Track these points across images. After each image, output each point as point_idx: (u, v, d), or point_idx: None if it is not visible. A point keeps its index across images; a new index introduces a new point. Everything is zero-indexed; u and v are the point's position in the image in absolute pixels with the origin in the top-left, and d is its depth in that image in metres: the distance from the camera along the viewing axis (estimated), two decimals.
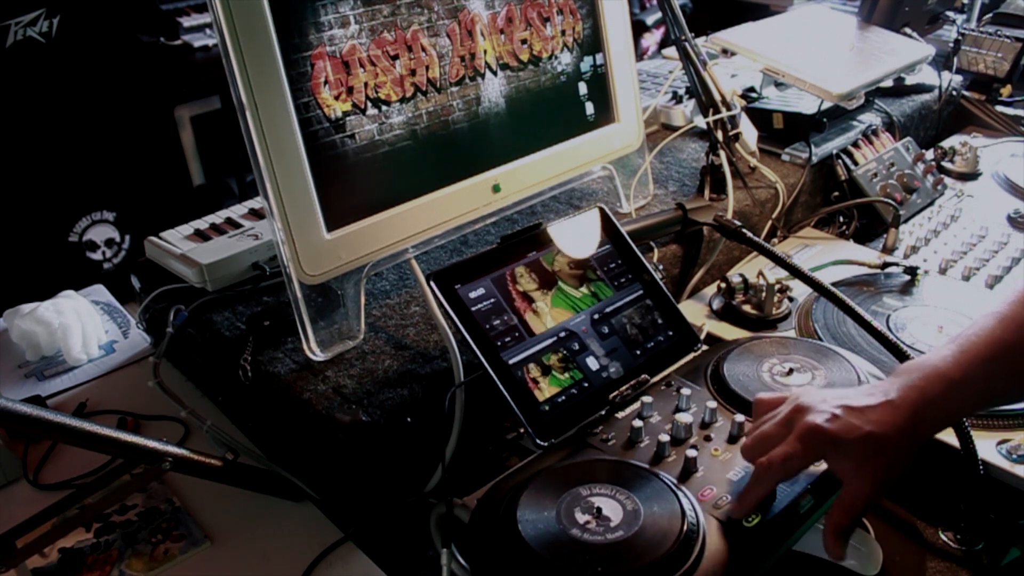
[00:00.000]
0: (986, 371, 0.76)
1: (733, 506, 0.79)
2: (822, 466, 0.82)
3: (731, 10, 2.79)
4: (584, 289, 1.03)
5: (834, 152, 1.57)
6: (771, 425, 0.79)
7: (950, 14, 2.15)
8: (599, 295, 1.03)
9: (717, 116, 1.41)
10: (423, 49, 1.06)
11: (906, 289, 1.26)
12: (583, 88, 1.28)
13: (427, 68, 1.07)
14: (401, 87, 1.04)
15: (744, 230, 1.19)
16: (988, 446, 0.94)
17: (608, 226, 1.10)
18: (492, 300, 0.95)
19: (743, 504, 0.79)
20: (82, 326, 1.26)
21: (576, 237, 1.06)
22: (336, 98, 0.98)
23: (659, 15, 3.63)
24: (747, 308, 1.21)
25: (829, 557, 0.79)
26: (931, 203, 1.60)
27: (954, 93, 1.97)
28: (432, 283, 0.93)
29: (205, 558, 0.94)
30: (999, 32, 1.95)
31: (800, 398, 0.79)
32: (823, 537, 0.78)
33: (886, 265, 1.31)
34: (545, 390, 0.92)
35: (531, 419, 0.90)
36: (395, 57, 1.03)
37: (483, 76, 1.13)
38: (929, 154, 1.72)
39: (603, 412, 0.94)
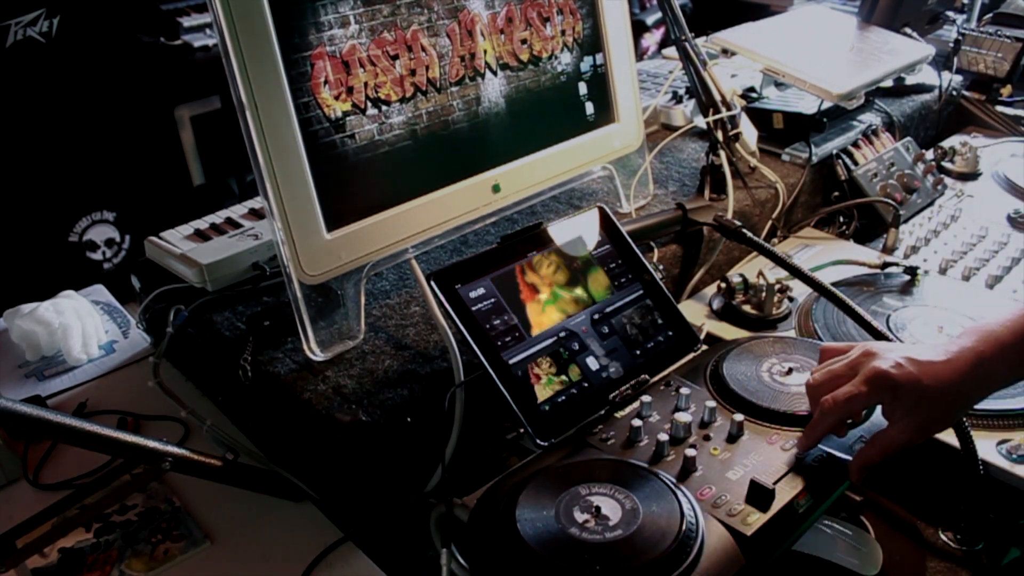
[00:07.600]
0: None
1: (798, 443, 0.85)
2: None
3: (731, 10, 2.78)
4: (584, 289, 1.03)
5: (834, 152, 1.57)
6: (840, 366, 0.85)
7: (950, 14, 2.15)
8: (599, 295, 1.03)
9: (717, 116, 1.41)
10: (423, 49, 1.06)
11: (906, 289, 1.26)
12: (583, 88, 1.28)
13: (427, 68, 1.07)
14: (401, 87, 1.04)
15: (744, 230, 1.19)
16: (988, 446, 0.94)
17: (608, 226, 1.10)
18: (492, 300, 0.95)
19: (807, 438, 0.85)
20: (82, 326, 1.26)
21: (576, 237, 1.07)
22: (336, 98, 0.98)
23: (659, 15, 3.63)
24: (747, 308, 1.21)
25: (851, 480, 0.84)
26: (931, 203, 1.60)
27: (954, 93, 1.97)
28: (432, 283, 0.93)
29: (205, 558, 0.94)
30: (999, 32, 1.95)
31: (869, 346, 0.85)
32: (849, 470, 0.83)
33: (886, 265, 1.31)
34: (545, 390, 0.92)
35: (531, 419, 0.90)
36: (395, 57, 1.03)
37: (483, 76, 1.13)
38: (929, 154, 1.72)
39: (603, 412, 0.94)
